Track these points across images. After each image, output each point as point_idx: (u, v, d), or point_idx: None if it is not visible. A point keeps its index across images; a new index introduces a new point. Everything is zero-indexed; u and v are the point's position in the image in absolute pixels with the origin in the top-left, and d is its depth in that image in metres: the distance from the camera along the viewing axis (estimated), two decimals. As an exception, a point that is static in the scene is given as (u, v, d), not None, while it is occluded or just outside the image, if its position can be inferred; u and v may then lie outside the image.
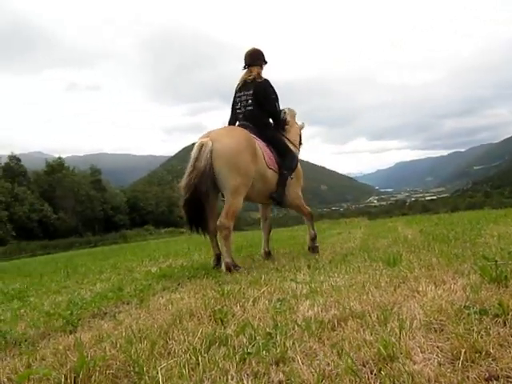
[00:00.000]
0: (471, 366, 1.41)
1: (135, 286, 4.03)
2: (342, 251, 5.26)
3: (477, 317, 1.78)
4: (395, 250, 4.49)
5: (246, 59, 5.10)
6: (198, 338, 1.95)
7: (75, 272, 6.96)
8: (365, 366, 1.49)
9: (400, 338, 1.66)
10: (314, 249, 5.38)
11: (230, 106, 5.15)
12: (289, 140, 5.32)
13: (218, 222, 4.25)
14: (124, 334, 2.19)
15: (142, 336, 2.09)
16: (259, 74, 5.05)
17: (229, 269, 4.15)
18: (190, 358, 1.72)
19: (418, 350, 1.56)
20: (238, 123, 5.03)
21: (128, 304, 3.20)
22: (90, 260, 10.48)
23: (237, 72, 5.19)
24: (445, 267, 3.03)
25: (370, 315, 2.00)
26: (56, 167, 53.87)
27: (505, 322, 1.71)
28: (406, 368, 1.40)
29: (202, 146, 4.26)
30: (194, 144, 4.42)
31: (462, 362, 1.43)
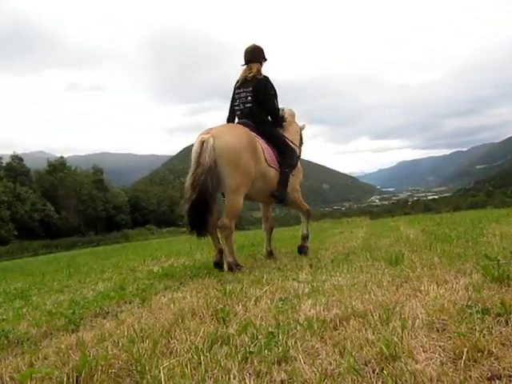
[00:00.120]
0: (473, 366, 1.41)
1: (137, 285, 4.04)
2: (344, 250, 5.25)
3: (479, 316, 1.78)
4: (397, 249, 4.48)
5: (246, 55, 5.02)
6: (200, 337, 1.95)
7: (77, 271, 6.97)
8: (367, 366, 1.49)
9: (402, 337, 1.66)
10: (303, 249, 5.19)
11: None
12: (287, 138, 5.23)
13: (219, 223, 4.22)
14: (126, 333, 2.19)
15: (144, 335, 2.09)
16: (259, 71, 4.95)
17: (231, 268, 4.14)
18: (192, 357, 1.72)
19: (420, 349, 1.56)
20: (236, 121, 4.93)
21: (130, 303, 3.20)
22: (92, 259, 10.50)
23: (237, 72, 5.13)
24: (447, 266, 3.02)
25: (372, 314, 2.00)
26: (58, 167, 54.01)
27: (507, 322, 1.71)
28: (408, 367, 1.40)
29: (203, 142, 4.15)
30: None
31: (465, 361, 1.43)
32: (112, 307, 3.13)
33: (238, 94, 4.93)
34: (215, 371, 1.57)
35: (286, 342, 1.75)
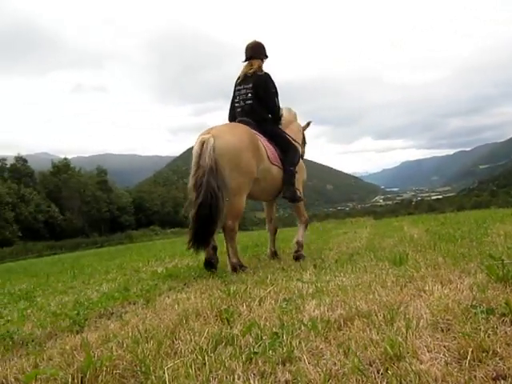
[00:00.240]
0: (478, 366, 1.40)
1: (141, 286, 4.04)
2: (348, 251, 5.25)
3: (483, 316, 1.77)
4: (401, 249, 4.47)
5: (247, 52, 4.94)
6: (205, 337, 1.95)
7: (81, 272, 6.99)
8: (371, 366, 1.49)
9: (407, 337, 1.66)
10: (299, 256, 4.87)
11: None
12: (289, 136, 5.13)
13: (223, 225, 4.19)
14: (130, 334, 2.20)
15: (149, 336, 2.09)
16: (260, 68, 4.88)
17: (235, 269, 4.14)
18: (197, 357, 1.72)
19: (425, 349, 1.56)
20: (238, 119, 4.83)
21: (134, 304, 3.21)
22: (97, 260, 10.53)
23: (238, 69, 5.03)
24: (451, 266, 3.02)
25: (376, 315, 2.00)
26: (62, 168, 54.14)
27: (512, 322, 1.71)
28: (413, 367, 1.40)
29: (203, 142, 4.10)
30: None
31: (469, 361, 1.42)
32: (116, 308, 3.14)
33: (239, 90, 4.86)
34: (220, 372, 1.57)
35: (291, 343, 1.75)
